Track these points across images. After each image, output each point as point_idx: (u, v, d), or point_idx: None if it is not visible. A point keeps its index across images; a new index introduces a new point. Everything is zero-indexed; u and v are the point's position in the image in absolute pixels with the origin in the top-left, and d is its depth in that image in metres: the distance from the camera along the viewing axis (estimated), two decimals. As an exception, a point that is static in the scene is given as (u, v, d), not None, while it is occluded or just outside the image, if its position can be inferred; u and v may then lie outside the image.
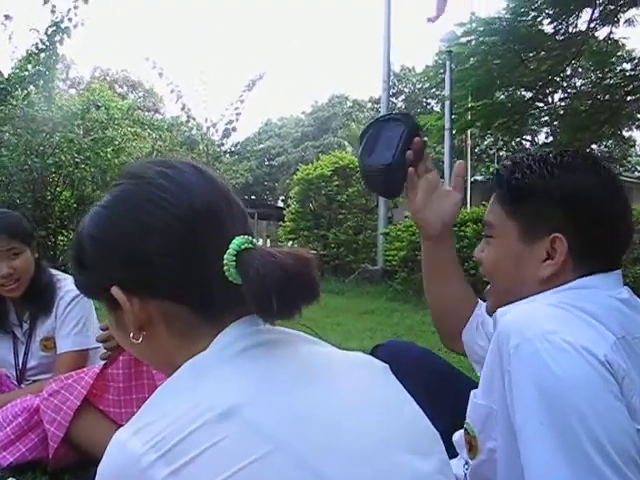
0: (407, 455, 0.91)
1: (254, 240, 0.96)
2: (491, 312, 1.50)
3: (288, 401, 0.88)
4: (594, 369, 1.13)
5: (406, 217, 12.07)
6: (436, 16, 8.17)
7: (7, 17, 10.17)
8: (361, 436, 0.89)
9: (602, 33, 9.51)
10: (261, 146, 47.80)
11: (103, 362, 2.43)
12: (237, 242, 0.93)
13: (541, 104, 11.34)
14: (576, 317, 1.23)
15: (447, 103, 12.60)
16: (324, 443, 0.86)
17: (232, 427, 0.82)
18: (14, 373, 2.98)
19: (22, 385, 2.96)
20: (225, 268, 0.92)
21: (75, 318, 2.87)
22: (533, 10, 8.92)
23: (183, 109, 12.38)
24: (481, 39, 9.54)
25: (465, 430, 1.38)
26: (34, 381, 2.94)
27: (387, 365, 1.06)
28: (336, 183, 15.40)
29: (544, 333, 1.17)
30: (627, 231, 1.41)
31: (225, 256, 0.92)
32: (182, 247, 0.95)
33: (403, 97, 43.15)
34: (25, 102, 10.72)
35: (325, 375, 0.96)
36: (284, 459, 0.82)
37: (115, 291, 0.98)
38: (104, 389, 2.48)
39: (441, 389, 1.81)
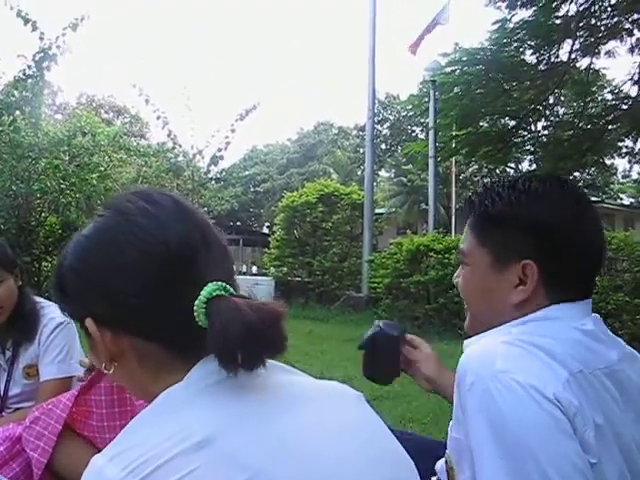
0: None
1: (227, 286, 0.94)
2: (469, 334, 1.50)
3: (263, 430, 0.88)
4: (541, 408, 1.14)
5: (391, 244, 12.12)
6: (414, 45, 8.26)
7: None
8: (338, 463, 0.90)
9: (583, 63, 9.70)
10: (247, 173, 47.97)
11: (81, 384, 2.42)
12: (208, 289, 0.92)
13: (525, 132, 11.44)
14: (530, 354, 1.23)
15: (431, 132, 12.70)
16: (301, 471, 0.86)
17: (208, 456, 0.83)
18: (-4, 401, 2.95)
19: (4, 413, 2.91)
20: (195, 314, 0.91)
21: (59, 346, 2.84)
22: (515, 41, 9.05)
23: (169, 135, 12.37)
24: (465, 69, 9.66)
25: (445, 461, 1.40)
26: (16, 409, 2.89)
27: (361, 394, 1.06)
28: (321, 210, 15.48)
29: (495, 373, 1.19)
30: (598, 256, 1.40)
31: (196, 302, 0.91)
32: (154, 288, 0.95)
33: (388, 124, 43.45)
34: (11, 128, 10.71)
35: (299, 404, 0.96)
36: None
37: (88, 323, 0.99)
38: (87, 415, 2.46)
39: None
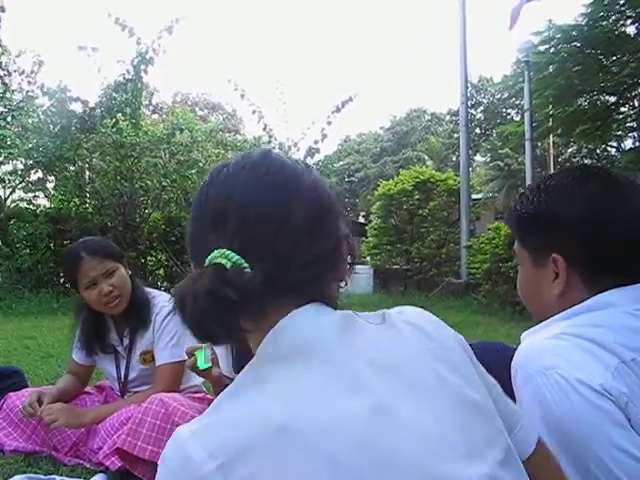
0: (453, 463, 0.86)
1: (234, 256, 0.91)
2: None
3: (346, 413, 0.84)
4: (588, 401, 1.18)
5: (489, 229, 11.93)
6: (512, 23, 8.04)
7: (94, 49, 10.71)
8: (417, 450, 0.85)
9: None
10: (341, 163, 48.07)
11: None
12: (212, 255, 0.93)
13: (625, 109, 11.05)
14: (577, 347, 1.26)
15: (527, 113, 12.41)
16: (383, 461, 0.83)
17: (289, 443, 0.81)
18: (117, 385, 3.17)
19: (125, 396, 3.14)
20: None
21: (171, 332, 3.00)
22: (614, 13, 8.73)
23: (265, 129, 12.51)
24: (559, 46, 9.40)
25: None
26: (135, 392, 3.12)
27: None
28: (417, 197, 15.38)
29: (543, 369, 1.24)
30: (636, 240, 1.37)
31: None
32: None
33: (482, 108, 42.72)
34: (114, 129, 11.17)
35: (388, 378, 0.90)
36: (344, 477, 0.80)
37: None
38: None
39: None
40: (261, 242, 0.94)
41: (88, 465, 2.83)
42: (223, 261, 0.89)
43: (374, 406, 0.86)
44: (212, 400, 2.96)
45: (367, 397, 0.87)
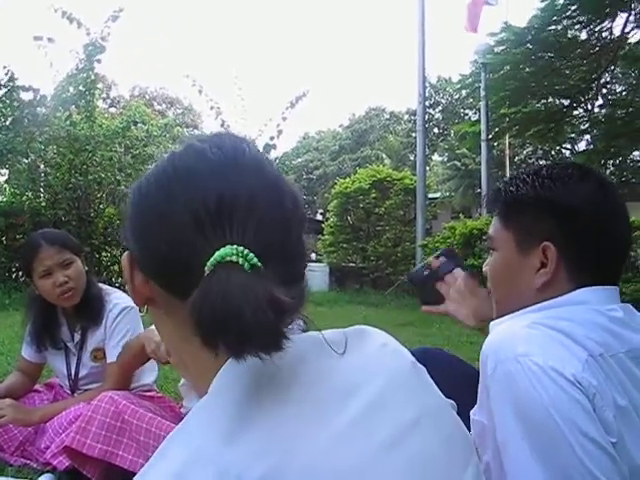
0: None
1: (251, 255, 0.77)
2: (494, 318, 1.53)
3: (327, 455, 0.74)
4: (561, 389, 1.19)
5: (444, 228, 12.06)
6: (471, 27, 8.15)
7: (50, 40, 10.64)
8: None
9: (637, 37, 9.43)
10: (299, 160, 48.02)
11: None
12: (222, 252, 0.76)
13: (578, 111, 11.25)
14: (550, 337, 1.28)
15: (482, 112, 12.58)
16: None
17: None
18: (67, 383, 3.13)
19: (75, 394, 3.10)
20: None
21: (123, 329, 2.98)
22: (565, 18, 8.88)
23: (222, 125, 12.53)
24: (513, 49, 9.54)
25: None
26: (86, 390, 3.08)
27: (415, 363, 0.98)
28: (374, 196, 15.49)
29: (516, 356, 1.24)
30: (621, 243, 1.43)
31: (207, 263, 0.77)
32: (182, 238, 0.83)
33: (440, 108, 42.96)
34: (67, 122, 11.06)
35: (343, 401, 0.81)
36: None
37: (123, 257, 0.93)
38: None
39: (472, 396, 1.85)
40: (272, 240, 0.82)
41: (35, 465, 2.78)
42: (240, 260, 0.76)
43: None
44: (162, 399, 2.95)
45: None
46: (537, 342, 1.27)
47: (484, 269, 1.63)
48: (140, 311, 0.96)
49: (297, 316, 0.81)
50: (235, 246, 0.77)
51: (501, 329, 1.36)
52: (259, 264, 0.77)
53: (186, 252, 0.81)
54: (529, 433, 1.20)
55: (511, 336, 1.31)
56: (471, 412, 1.40)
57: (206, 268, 0.76)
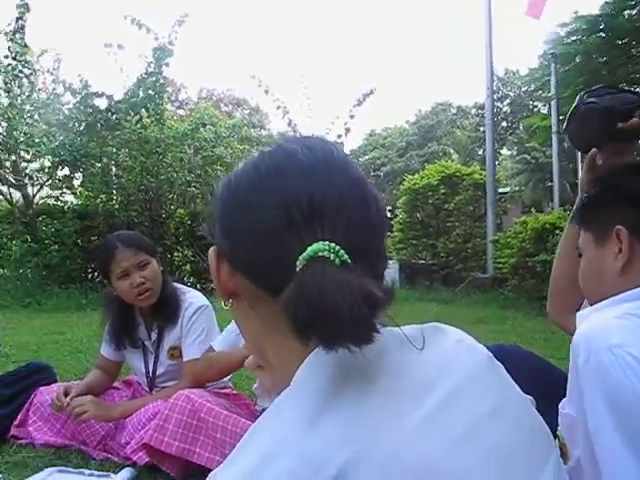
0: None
1: (341, 251, 0.78)
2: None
3: (409, 445, 0.74)
4: None
5: (515, 223, 11.85)
6: (533, 12, 7.96)
7: (120, 46, 10.93)
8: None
9: None
10: (366, 157, 48.02)
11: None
12: (315, 247, 0.78)
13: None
14: None
15: (553, 104, 12.30)
16: None
17: None
18: (145, 380, 3.21)
19: (153, 391, 3.19)
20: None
21: (199, 328, 3.04)
22: (639, 1, 8.59)
23: (289, 124, 12.58)
24: (585, 38, 9.29)
25: (557, 437, 1.43)
26: (163, 387, 3.16)
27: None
28: (443, 191, 15.30)
29: (610, 346, 1.21)
30: None
31: (299, 258, 0.78)
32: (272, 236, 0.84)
33: (508, 101, 42.39)
34: (138, 125, 11.32)
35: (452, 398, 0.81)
36: None
37: (210, 251, 0.94)
38: None
39: (549, 392, 1.83)
40: (359, 239, 0.83)
41: (116, 459, 2.87)
42: (331, 256, 0.77)
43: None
44: (237, 396, 2.99)
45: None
46: (631, 333, 1.24)
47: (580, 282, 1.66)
48: (224, 305, 0.94)
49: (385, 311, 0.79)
50: (327, 242, 0.78)
51: (593, 320, 1.34)
52: (349, 261, 0.78)
53: (277, 247, 0.82)
54: (621, 424, 1.18)
55: (604, 327, 1.28)
56: (560, 405, 1.40)
57: (298, 262, 0.77)
